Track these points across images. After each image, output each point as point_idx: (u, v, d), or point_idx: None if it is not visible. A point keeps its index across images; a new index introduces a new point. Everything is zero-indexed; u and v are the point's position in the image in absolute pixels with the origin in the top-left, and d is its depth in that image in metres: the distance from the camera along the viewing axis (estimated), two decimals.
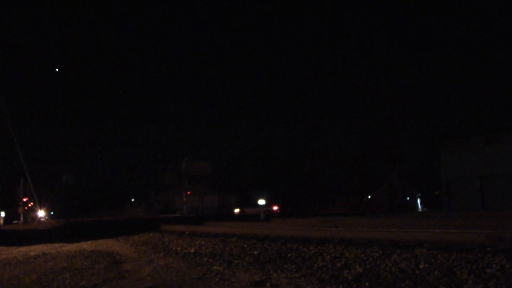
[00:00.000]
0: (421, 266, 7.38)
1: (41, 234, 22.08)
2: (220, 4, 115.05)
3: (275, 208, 46.05)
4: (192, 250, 12.76)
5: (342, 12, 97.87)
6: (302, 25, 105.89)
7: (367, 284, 7.11)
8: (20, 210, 36.34)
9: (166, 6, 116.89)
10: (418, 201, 56.06)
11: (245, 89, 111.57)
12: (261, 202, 55.51)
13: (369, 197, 54.39)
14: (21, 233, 22.50)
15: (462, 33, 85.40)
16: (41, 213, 39.93)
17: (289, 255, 10.06)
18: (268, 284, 7.69)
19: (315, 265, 8.77)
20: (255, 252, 10.88)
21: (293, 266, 8.94)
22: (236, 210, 46.49)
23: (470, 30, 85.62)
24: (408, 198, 49.92)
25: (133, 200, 74.82)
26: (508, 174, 30.16)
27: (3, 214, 33.02)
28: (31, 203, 40.67)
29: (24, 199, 36.55)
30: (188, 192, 50.98)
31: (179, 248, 13.61)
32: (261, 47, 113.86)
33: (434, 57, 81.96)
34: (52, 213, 53.15)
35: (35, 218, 38.60)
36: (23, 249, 16.65)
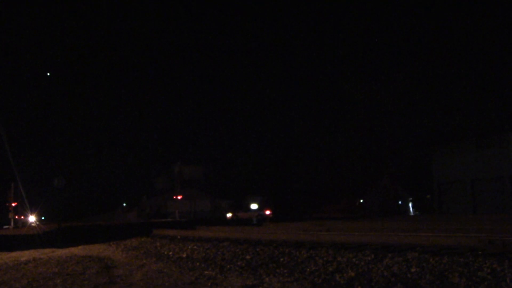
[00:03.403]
0: (413, 270, 7.40)
1: (32, 239, 21.91)
2: (212, 10, 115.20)
3: (268, 212, 46.08)
4: (184, 255, 12.72)
5: (334, 14, 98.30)
6: (295, 29, 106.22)
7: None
8: (11, 215, 36.04)
9: (160, 8, 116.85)
10: (410, 205, 56.26)
11: (238, 94, 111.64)
12: (254, 206, 55.48)
13: (361, 201, 54.50)
14: (12, 238, 22.32)
15: (452, 37, 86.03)
16: (32, 218, 39.60)
17: (282, 259, 10.05)
18: None
19: (308, 269, 8.77)
20: (248, 257, 10.86)
21: (285, 271, 8.94)
22: (229, 215, 46.44)
23: (460, 35, 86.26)
24: (400, 202, 50.07)
25: (125, 204, 74.44)
26: (499, 177, 30.34)
27: None
28: (22, 216, 40.36)
29: (13, 204, 36.27)
30: (180, 197, 50.80)
31: (171, 253, 13.56)
32: (253, 52, 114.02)
33: (426, 61, 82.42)
34: (43, 218, 52.73)
35: (26, 223, 38.28)
36: (14, 254, 16.50)
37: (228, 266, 10.11)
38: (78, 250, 17.40)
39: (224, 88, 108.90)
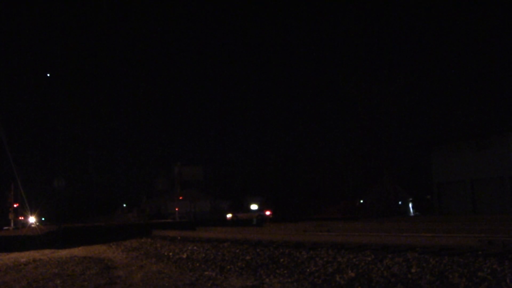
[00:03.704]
0: (413, 270, 7.39)
1: (32, 240, 21.89)
2: (212, 10, 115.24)
3: (268, 213, 45.96)
4: (184, 256, 12.72)
5: (335, 15, 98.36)
6: (295, 29, 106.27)
7: None
8: (11, 216, 35.98)
9: (159, 8, 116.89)
10: (410, 205, 56.22)
11: (238, 95, 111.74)
12: (254, 207, 55.41)
13: (362, 201, 54.46)
14: (12, 239, 22.30)
15: (452, 38, 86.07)
16: (32, 219, 39.52)
17: (282, 260, 10.05)
18: None
19: (308, 269, 8.77)
20: (248, 257, 10.85)
21: (285, 271, 8.93)
22: (229, 215, 46.34)
23: (460, 36, 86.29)
24: (400, 203, 50.01)
25: (125, 205, 74.37)
26: (499, 178, 30.31)
27: None
28: (22, 217, 40.25)
29: (14, 205, 36.22)
30: (180, 197, 50.72)
31: (171, 254, 13.55)
32: (253, 52, 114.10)
33: (426, 62, 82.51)
34: (43, 218, 52.65)
35: (26, 224, 38.20)
36: (14, 255, 16.50)
37: (228, 267, 10.11)
38: (78, 251, 17.40)
39: (224, 89, 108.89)
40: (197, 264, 11.03)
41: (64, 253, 16.81)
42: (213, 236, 16.86)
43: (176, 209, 47.93)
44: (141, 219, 54.09)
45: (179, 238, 18.22)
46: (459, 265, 7.21)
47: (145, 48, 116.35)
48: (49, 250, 18.55)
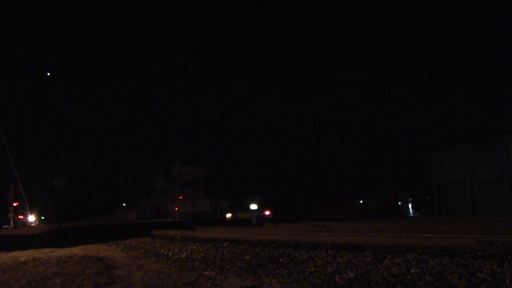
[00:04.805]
0: (412, 271, 7.39)
1: (31, 239, 21.89)
2: (212, 9, 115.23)
3: (267, 213, 46.00)
4: (184, 255, 12.72)
5: (334, 16, 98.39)
6: (296, 30, 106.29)
7: None
8: (10, 215, 35.99)
9: (159, 8, 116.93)
10: (410, 206, 56.23)
11: (238, 95, 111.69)
12: (253, 207, 55.46)
13: (361, 202, 54.48)
14: (11, 238, 22.30)
15: (452, 39, 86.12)
16: (31, 218, 39.54)
17: (281, 260, 10.04)
18: None
19: (307, 270, 8.76)
20: (247, 257, 10.85)
21: (285, 271, 8.93)
22: (228, 215, 46.39)
23: (460, 37, 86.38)
24: (399, 203, 50.01)
25: (124, 205, 74.36)
26: (499, 179, 30.33)
27: None
28: (22, 216, 40.27)
29: (13, 204, 36.22)
30: (180, 197, 50.74)
31: (170, 253, 13.55)
32: (254, 52, 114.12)
33: (426, 62, 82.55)
34: (43, 218, 52.68)
35: (25, 223, 38.21)
36: (13, 254, 16.50)
37: (228, 267, 10.11)
38: (77, 250, 17.39)
39: (224, 88, 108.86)
40: (197, 264, 11.03)
41: (63, 252, 16.80)
42: (213, 235, 16.85)
43: (176, 209, 47.94)
44: (141, 219, 54.08)
45: (178, 237, 18.22)
46: (458, 266, 7.21)
47: (145, 48, 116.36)
48: (49, 249, 18.54)
